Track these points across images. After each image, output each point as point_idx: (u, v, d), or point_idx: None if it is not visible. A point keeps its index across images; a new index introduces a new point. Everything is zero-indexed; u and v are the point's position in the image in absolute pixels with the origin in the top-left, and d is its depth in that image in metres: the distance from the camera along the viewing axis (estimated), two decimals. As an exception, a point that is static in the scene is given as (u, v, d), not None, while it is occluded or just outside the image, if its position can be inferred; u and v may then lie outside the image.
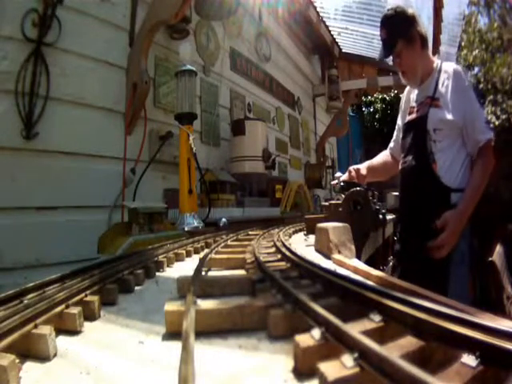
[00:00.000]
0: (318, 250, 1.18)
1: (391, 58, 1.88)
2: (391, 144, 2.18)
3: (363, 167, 2.04)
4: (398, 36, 1.78)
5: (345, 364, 0.34)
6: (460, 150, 1.73)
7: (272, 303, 0.53)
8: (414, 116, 1.89)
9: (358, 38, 5.86)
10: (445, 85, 1.75)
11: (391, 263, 2.07)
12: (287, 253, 0.89)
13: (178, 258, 1.13)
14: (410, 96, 2.01)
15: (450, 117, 1.69)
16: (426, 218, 1.72)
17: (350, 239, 1.12)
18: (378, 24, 1.90)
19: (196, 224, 1.99)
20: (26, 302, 0.56)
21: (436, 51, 5.02)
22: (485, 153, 1.69)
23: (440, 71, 1.79)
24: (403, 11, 1.80)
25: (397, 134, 2.12)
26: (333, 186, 2.13)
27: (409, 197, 1.93)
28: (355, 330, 0.37)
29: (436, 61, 1.86)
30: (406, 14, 1.80)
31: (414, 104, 1.92)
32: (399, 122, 2.11)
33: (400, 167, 1.94)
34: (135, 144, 2.23)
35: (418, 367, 0.28)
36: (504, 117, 8.56)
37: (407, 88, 2.09)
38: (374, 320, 0.45)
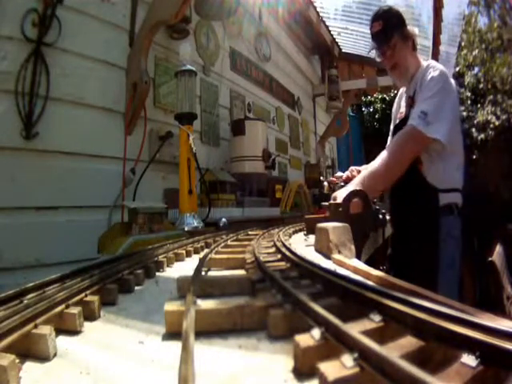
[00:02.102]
0: (317, 250, 1.18)
1: (378, 53, 1.86)
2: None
3: (363, 170, 2.05)
4: (394, 29, 1.77)
5: (345, 364, 0.34)
6: (445, 150, 1.68)
7: (272, 303, 0.53)
8: (400, 119, 1.90)
9: (358, 37, 5.86)
10: (419, 83, 1.74)
11: (384, 267, 2.07)
12: (287, 253, 0.89)
13: (178, 257, 1.13)
14: (400, 103, 2.01)
15: None
16: (415, 219, 1.71)
17: (350, 239, 1.12)
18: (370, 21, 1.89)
19: (196, 224, 1.99)
20: (25, 301, 0.56)
21: (436, 51, 5.02)
22: (406, 136, 1.60)
23: (422, 71, 1.79)
24: (397, 10, 1.83)
25: (389, 141, 2.13)
26: (332, 182, 2.15)
27: (398, 199, 1.92)
28: (355, 329, 0.37)
29: (422, 62, 1.85)
30: (399, 13, 1.82)
31: (403, 110, 1.92)
32: (391, 127, 2.12)
33: None
34: (135, 144, 2.23)
35: (417, 367, 0.28)
36: (504, 117, 8.56)
37: (398, 95, 2.09)
38: (374, 320, 0.45)
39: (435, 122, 1.57)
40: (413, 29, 1.84)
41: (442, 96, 1.62)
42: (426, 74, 1.69)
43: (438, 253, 1.66)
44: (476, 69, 9.73)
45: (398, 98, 2.08)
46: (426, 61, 1.88)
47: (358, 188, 1.49)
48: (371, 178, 1.60)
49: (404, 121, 1.83)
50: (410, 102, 1.77)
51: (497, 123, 8.50)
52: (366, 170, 1.67)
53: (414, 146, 1.63)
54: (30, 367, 0.44)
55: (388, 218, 2.04)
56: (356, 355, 0.34)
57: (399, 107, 2.00)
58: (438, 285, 1.61)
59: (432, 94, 1.61)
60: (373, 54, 1.88)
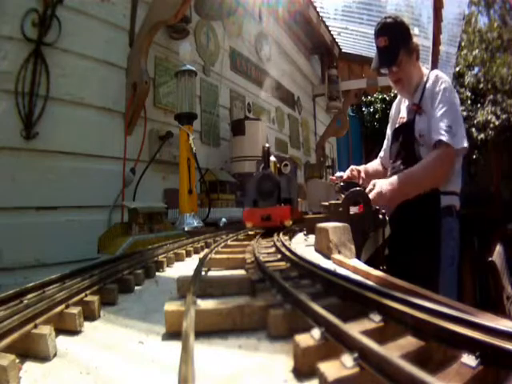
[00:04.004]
0: (317, 250, 1.18)
1: (384, 67, 1.87)
2: (381, 153, 2.19)
3: (362, 170, 2.05)
4: (400, 45, 1.77)
5: (345, 364, 0.33)
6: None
7: (272, 303, 0.53)
8: (401, 123, 1.90)
9: (358, 37, 5.85)
10: (427, 92, 1.76)
11: (384, 267, 2.06)
12: (287, 253, 0.89)
13: (178, 257, 1.13)
14: (400, 107, 2.02)
15: (427, 124, 1.71)
16: (415, 221, 1.72)
17: (350, 239, 1.12)
18: (374, 31, 1.88)
19: (196, 224, 1.99)
20: (25, 301, 0.56)
21: (436, 51, 5.02)
22: (439, 154, 1.66)
23: (428, 80, 1.80)
24: (403, 21, 1.81)
25: (387, 144, 2.13)
26: (332, 180, 2.14)
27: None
28: (355, 329, 0.37)
29: (425, 71, 1.88)
30: (405, 24, 1.81)
31: (404, 115, 1.92)
32: (388, 131, 2.12)
33: (389, 172, 1.94)
34: (135, 144, 2.23)
35: (417, 367, 0.28)
36: (504, 116, 8.56)
37: (397, 99, 2.10)
38: (374, 320, 0.45)
39: (457, 132, 1.66)
40: (417, 39, 1.85)
41: (455, 107, 1.73)
42: (436, 86, 1.72)
43: (440, 252, 1.67)
44: (476, 69, 9.74)
45: (397, 101, 2.08)
46: (427, 68, 1.90)
47: (388, 188, 1.58)
48: (405, 184, 1.65)
49: (406, 125, 1.84)
50: (416, 109, 1.78)
51: (497, 123, 8.50)
52: (402, 173, 1.68)
53: (449, 162, 1.70)
54: (29, 367, 0.44)
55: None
56: (356, 355, 0.34)
57: (399, 111, 2.01)
58: (439, 284, 1.62)
59: (449, 106, 1.69)
60: (374, 64, 1.87)
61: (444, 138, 1.63)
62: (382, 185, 1.65)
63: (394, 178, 1.67)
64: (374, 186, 1.65)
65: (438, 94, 1.71)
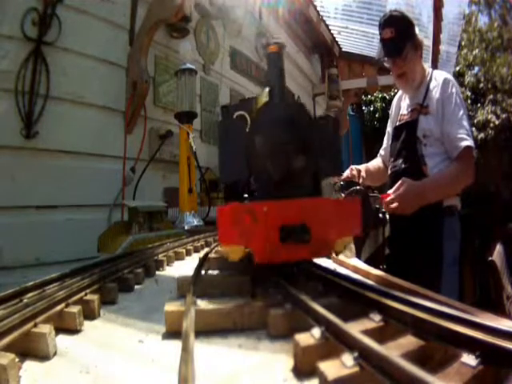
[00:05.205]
0: (317, 250, 1.18)
1: (388, 60, 1.87)
2: (382, 152, 2.18)
3: (363, 169, 2.04)
4: (407, 38, 1.77)
5: (345, 363, 0.33)
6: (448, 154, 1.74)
7: (272, 303, 0.53)
8: (403, 121, 1.89)
9: (359, 37, 5.85)
10: (434, 93, 1.76)
11: (384, 266, 2.06)
12: (287, 252, 0.89)
13: (178, 256, 1.13)
14: (400, 104, 2.01)
15: (435, 126, 1.71)
16: (417, 220, 1.71)
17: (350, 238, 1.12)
18: (378, 23, 1.88)
19: (196, 223, 1.99)
20: (25, 300, 0.56)
21: (436, 50, 5.01)
22: (465, 160, 1.67)
23: (431, 79, 1.80)
24: (408, 17, 1.82)
25: (387, 142, 2.12)
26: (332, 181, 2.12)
27: None
28: (355, 329, 0.37)
29: (428, 69, 1.87)
30: (411, 20, 1.82)
31: (405, 112, 1.92)
32: (389, 129, 2.11)
33: (390, 171, 1.93)
34: (135, 143, 2.22)
35: (417, 366, 0.28)
36: (504, 116, 8.56)
37: (397, 96, 2.08)
38: (374, 319, 0.45)
39: (471, 133, 1.69)
40: (421, 37, 1.85)
41: (465, 109, 1.74)
42: (447, 88, 1.73)
43: (442, 252, 1.67)
44: (476, 68, 9.73)
45: (397, 99, 2.07)
46: (428, 67, 1.89)
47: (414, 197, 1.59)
48: (433, 192, 1.66)
49: (408, 124, 1.83)
50: (419, 108, 1.78)
51: (497, 122, 8.50)
52: (430, 180, 1.69)
53: (473, 165, 1.71)
54: (29, 366, 0.44)
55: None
56: (356, 354, 0.34)
57: (399, 108, 2.00)
58: (442, 283, 1.62)
59: (463, 110, 1.71)
60: (378, 55, 1.87)
61: (469, 142, 1.65)
62: (409, 184, 1.64)
63: (424, 180, 1.67)
64: (402, 184, 1.63)
65: (451, 97, 1.71)
